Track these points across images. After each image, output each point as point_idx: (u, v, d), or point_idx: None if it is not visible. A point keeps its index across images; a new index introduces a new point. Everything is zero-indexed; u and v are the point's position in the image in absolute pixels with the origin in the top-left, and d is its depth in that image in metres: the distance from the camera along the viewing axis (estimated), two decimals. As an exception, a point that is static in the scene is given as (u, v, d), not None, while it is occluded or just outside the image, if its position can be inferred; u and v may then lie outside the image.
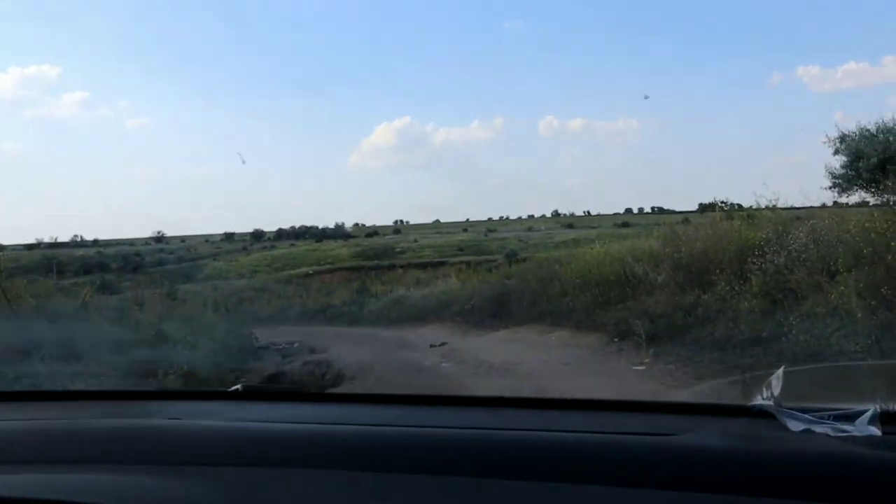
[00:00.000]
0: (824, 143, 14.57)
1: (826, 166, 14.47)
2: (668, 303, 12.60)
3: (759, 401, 1.56)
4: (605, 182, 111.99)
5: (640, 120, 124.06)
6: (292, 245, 71.55)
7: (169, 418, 1.88)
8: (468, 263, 40.12)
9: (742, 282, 11.84)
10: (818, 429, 1.45)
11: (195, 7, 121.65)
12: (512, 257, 45.25)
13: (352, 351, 16.09)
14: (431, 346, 15.97)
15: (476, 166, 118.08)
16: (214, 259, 64.83)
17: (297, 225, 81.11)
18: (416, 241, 69.82)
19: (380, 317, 23.82)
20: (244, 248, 70.68)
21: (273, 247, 71.18)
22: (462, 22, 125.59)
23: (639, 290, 14.07)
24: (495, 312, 18.40)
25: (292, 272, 52.95)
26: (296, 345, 19.58)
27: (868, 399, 1.55)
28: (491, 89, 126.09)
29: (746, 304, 10.93)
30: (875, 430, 1.42)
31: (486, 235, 72.00)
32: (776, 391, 1.54)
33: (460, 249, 62.45)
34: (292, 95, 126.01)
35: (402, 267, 49.59)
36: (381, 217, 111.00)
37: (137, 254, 66.81)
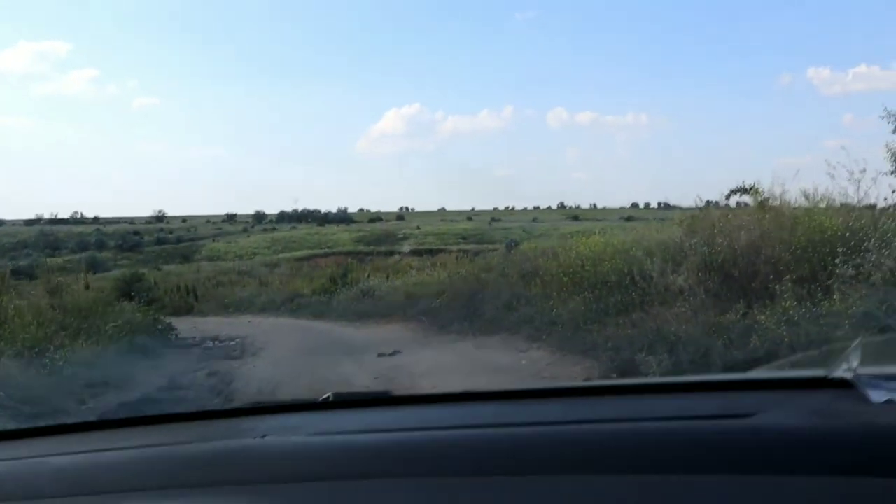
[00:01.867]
0: (882, 117, 11.64)
1: (888, 146, 11.22)
2: (696, 319, 7.94)
3: (839, 372, 1.42)
4: (611, 176, 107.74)
5: (649, 115, 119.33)
6: (293, 228, 68.08)
7: (260, 436, 1.68)
8: (465, 252, 35.83)
9: (822, 293, 7.12)
10: None
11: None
12: (512, 247, 44.50)
13: (283, 357, 13.45)
14: (380, 354, 12.44)
15: (484, 155, 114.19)
16: (214, 240, 62.09)
17: (300, 208, 77.19)
18: (418, 227, 66.94)
19: (346, 310, 20.21)
20: (245, 230, 67.01)
21: (274, 229, 67.94)
22: (474, 10, 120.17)
23: (650, 297, 9.39)
24: (466, 313, 13.96)
25: (288, 255, 49.55)
26: (234, 342, 16.57)
27: None
28: (501, 79, 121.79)
29: (840, 330, 6.13)
30: None
31: (490, 224, 68.93)
32: (856, 361, 1.41)
33: (463, 238, 60.12)
34: (301, 78, 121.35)
35: (399, 254, 47.44)
36: (385, 203, 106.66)
37: (136, 232, 63.80)
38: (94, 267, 43.74)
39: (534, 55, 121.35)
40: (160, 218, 74.13)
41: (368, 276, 24.63)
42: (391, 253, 47.79)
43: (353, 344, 14.39)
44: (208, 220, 74.52)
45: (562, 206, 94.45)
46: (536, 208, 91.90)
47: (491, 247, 44.45)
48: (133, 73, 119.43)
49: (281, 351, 14.12)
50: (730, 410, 1.42)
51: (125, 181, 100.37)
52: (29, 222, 69.40)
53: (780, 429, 1.31)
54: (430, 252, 42.55)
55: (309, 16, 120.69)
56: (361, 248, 54.40)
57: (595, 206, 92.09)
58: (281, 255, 50.13)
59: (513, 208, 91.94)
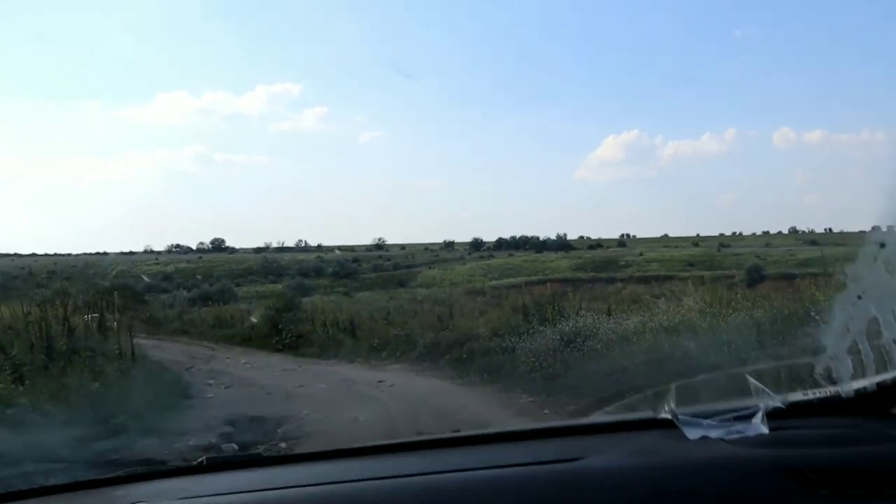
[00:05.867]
0: None
1: None
2: None
3: (662, 413, 1.46)
4: (846, 198, 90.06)
5: (886, 132, 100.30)
6: (510, 255, 59.25)
7: (130, 503, 1.60)
8: (702, 279, 24.95)
9: None
10: (714, 434, 1.37)
11: (426, 24, 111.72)
12: (755, 273, 35.81)
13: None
14: None
15: (707, 180, 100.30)
16: (430, 267, 54.09)
17: (518, 235, 68.09)
18: (641, 254, 56.51)
19: (533, 369, 10.64)
20: (461, 258, 58.78)
21: (491, 256, 59.67)
22: (692, 30, 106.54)
23: None
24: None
25: (498, 282, 40.41)
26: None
27: (758, 399, 1.43)
28: (723, 100, 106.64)
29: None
30: (763, 428, 1.36)
31: (718, 250, 57.70)
32: (674, 402, 1.45)
33: (690, 265, 49.77)
34: (521, 108, 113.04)
35: (621, 281, 37.66)
36: (605, 230, 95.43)
37: (356, 259, 56.81)
38: (303, 293, 37.20)
39: (755, 73, 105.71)
40: (380, 246, 68.05)
41: (580, 310, 13.87)
42: (612, 280, 38.95)
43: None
44: (426, 247, 67.68)
45: (793, 230, 79.77)
46: (766, 233, 77.74)
47: (725, 273, 35.88)
48: (360, 108, 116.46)
49: None
50: (563, 455, 1.39)
51: (349, 211, 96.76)
52: (257, 250, 65.25)
53: (607, 469, 1.32)
54: (657, 279, 32.79)
55: (527, 51, 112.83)
56: (580, 274, 44.72)
57: (830, 230, 76.55)
58: (493, 283, 40.92)
59: (740, 234, 78.25)
